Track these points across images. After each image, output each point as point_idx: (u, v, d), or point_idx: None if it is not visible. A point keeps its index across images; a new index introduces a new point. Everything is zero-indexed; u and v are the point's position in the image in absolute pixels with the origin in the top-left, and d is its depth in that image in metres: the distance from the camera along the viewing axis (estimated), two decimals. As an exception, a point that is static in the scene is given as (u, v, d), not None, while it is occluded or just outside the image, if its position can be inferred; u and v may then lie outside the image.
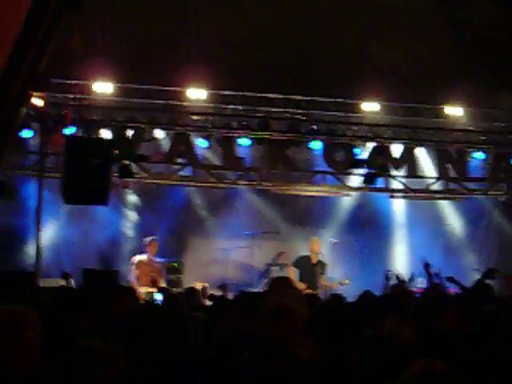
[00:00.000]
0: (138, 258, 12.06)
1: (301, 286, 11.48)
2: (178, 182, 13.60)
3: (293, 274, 12.14)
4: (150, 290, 11.14)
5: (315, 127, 13.51)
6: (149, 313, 6.25)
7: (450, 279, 9.44)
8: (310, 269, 12.14)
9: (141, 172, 13.05)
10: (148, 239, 12.19)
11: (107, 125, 12.77)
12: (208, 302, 9.14)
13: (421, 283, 13.22)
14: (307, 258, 12.31)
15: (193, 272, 13.13)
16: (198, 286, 10.59)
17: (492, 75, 12.03)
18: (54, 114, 12.59)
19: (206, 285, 11.78)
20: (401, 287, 9.35)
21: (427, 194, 14.14)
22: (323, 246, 12.57)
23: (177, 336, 5.75)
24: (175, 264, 12.80)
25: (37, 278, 10.58)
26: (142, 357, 5.25)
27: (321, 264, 12.30)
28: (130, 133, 12.82)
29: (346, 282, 12.22)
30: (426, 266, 9.57)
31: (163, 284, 11.90)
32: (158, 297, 9.93)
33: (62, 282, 10.35)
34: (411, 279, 12.84)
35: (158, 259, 12.18)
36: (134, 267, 11.94)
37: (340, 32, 12.20)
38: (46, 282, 10.47)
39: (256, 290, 10.02)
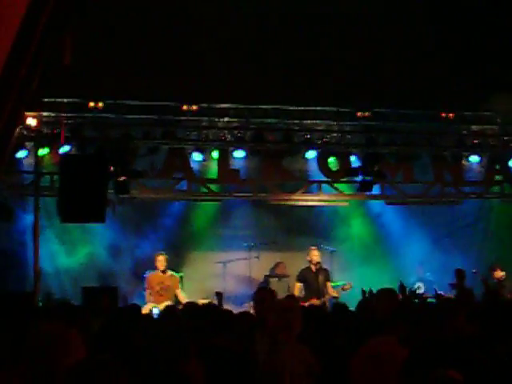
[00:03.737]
0: (147, 274, 12.15)
1: (313, 301, 11.54)
2: (175, 196, 13.60)
3: (298, 289, 12.15)
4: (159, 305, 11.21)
5: (309, 136, 13.50)
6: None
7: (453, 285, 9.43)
8: (314, 279, 12.13)
9: (137, 187, 13.02)
10: (155, 254, 12.23)
11: (102, 141, 12.75)
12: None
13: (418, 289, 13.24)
14: (308, 270, 12.30)
15: (192, 286, 13.09)
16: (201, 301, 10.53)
17: (484, 78, 12.07)
18: (48, 133, 12.59)
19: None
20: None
21: (423, 199, 14.15)
22: (322, 254, 12.59)
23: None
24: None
25: (35, 298, 10.55)
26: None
27: (323, 271, 12.30)
28: (124, 148, 12.81)
29: (347, 286, 12.28)
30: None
31: (181, 294, 11.90)
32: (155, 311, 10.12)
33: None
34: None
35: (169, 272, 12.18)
36: (145, 285, 12.05)
37: (330, 43, 12.25)
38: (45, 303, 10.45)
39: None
